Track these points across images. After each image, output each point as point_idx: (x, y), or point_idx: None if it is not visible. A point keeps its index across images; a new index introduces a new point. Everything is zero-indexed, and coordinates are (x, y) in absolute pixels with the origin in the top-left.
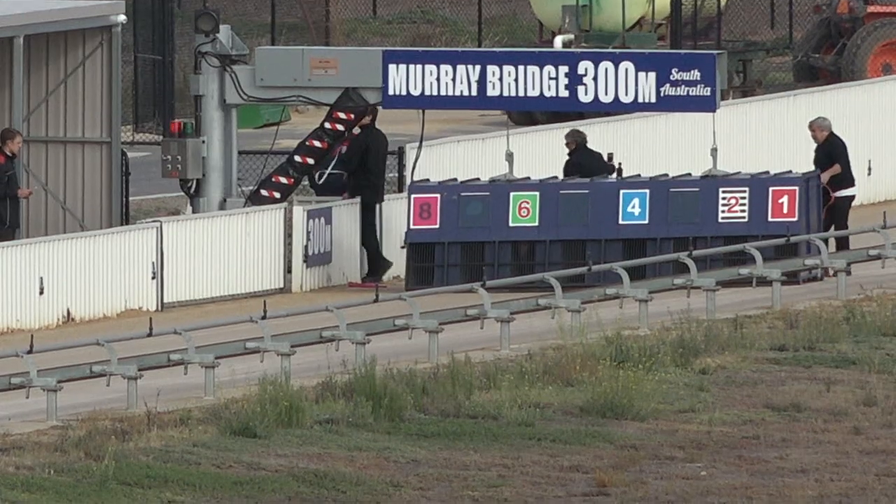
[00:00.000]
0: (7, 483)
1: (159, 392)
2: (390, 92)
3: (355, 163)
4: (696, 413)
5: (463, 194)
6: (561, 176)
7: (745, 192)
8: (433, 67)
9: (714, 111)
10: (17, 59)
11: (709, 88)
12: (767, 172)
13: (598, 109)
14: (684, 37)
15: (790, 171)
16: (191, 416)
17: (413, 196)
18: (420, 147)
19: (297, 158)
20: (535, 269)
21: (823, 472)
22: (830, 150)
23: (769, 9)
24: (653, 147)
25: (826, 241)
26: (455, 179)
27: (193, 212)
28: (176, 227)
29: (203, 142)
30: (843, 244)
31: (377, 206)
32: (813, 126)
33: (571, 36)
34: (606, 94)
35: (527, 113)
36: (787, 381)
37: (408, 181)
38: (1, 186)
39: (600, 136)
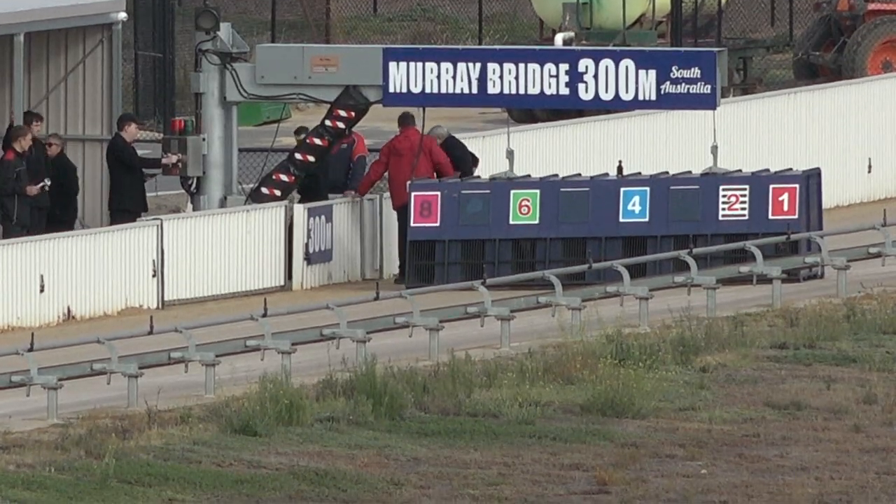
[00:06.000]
0: (8, 481)
1: (160, 390)
2: (391, 90)
3: None
4: (697, 411)
5: (463, 192)
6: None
7: (745, 189)
8: (434, 65)
9: (714, 109)
10: (17, 57)
11: (709, 86)
12: (768, 170)
13: (599, 107)
14: (685, 34)
15: (790, 169)
16: (191, 414)
17: (414, 194)
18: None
19: (298, 156)
20: (535, 266)
21: (824, 470)
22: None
23: (769, 6)
24: (653, 145)
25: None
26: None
27: (194, 209)
28: (176, 224)
29: (203, 139)
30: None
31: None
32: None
33: (572, 34)
34: (607, 91)
35: (527, 111)
36: (787, 379)
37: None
38: (10, 183)
39: (601, 133)
